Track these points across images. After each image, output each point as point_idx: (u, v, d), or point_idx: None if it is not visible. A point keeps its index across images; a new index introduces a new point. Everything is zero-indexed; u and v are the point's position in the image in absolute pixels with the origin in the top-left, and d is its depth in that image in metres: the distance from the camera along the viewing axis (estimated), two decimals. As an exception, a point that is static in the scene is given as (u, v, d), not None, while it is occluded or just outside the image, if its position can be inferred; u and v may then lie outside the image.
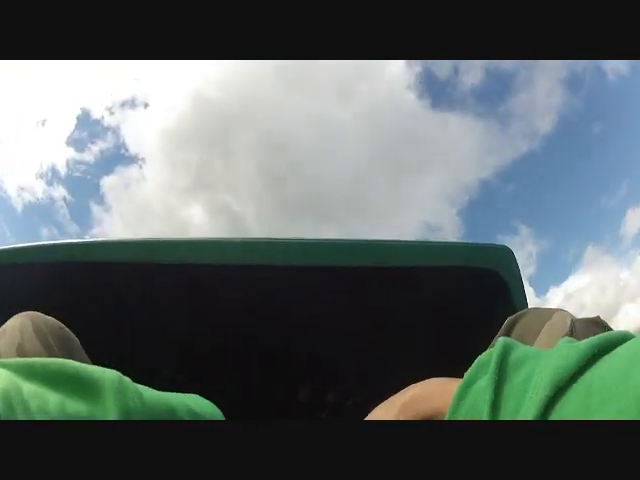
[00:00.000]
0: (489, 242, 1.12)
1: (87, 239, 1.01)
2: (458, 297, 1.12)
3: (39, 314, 0.78)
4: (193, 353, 1.23)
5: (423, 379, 0.92)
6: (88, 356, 0.79)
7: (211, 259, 1.02)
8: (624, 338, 0.40)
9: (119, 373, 0.50)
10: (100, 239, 1.02)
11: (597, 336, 0.41)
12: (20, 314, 0.77)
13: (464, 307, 1.12)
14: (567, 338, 0.47)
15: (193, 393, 1.23)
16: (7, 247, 1.01)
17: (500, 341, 0.47)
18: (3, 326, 0.75)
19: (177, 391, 1.23)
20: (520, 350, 0.45)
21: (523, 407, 0.39)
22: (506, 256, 1.08)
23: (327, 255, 1.05)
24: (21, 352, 0.70)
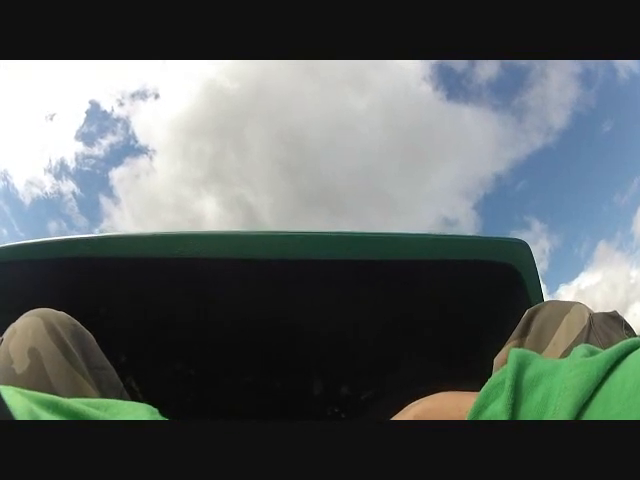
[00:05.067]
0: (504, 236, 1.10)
1: (95, 234, 1.01)
2: (473, 291, 1.11)
3: (51, 311, 0.75)
4: (204, 347, 1.23)
5: (437, 374, 0.91)
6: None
7: (221, 252, 1.02)
8: (637, 345, 0.39)
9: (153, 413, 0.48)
10: (108, 234, 1.01)
11: (613, 348, 0.40)
12: (31, 312, 0.74)
13: (480, 301, 1.11)
14: (583, 346, 0.45)
15: (204, 387, 1.23)
16: (15, 243, 1.01)
17: (513, 356, 0.45)
18: (14, 325, 0.72)
19: (188, 385, 1.23)
20: (534, 367, 0.44)
21: None
22: (522, 250, 1.06)
23: (339, 247, 1.05)
24: (33, 356, 0.68)
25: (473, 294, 1.11)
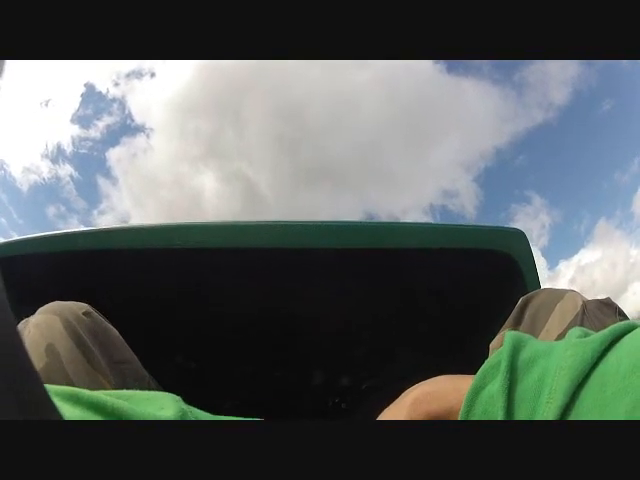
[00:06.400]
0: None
1: (95, 227, 1.01)
2: (470, 280, 1.12)
3: (66, 306, 0.73)
4: (204, 338, 1.24)
5: (436, 363, 0.92)
6: None
7: (220, 243, 1.02)
8: (634, 326, 0.40)
9: (182, 409, 0.45)
10: (108, 227, 1.02)
11: (608, 329, 0.40)
12: (45, 308, 0.72)
13: (476, 290, 1.12)
14: (578, 328, 0.46)
15: (205, 379, 1.24)
16: (16, 239, 1.01)
17: (508, 339, 0.46)
18: (27, 323, 0.70)
19: (189, 378, 1.24)
20: (529, 348, 0.44)
21: (539, 412, 0.38)
22: (519, 239, 1.07)
23: (337, 237, 1.05)
24: (51, 353, 0.66)
25: (470, 283, 1.12)
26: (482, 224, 1.13)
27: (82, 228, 1.01)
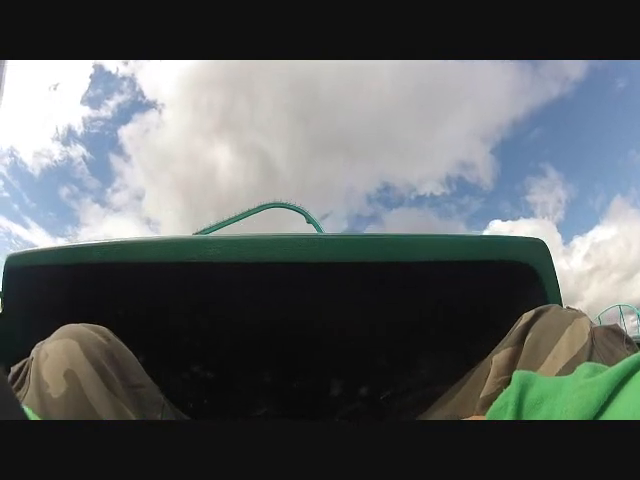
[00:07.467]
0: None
1: (109, 240, 1.02)
2: (490, 291, 1.11)
3: (84, 330, 0.73)
4: (222, 350, 1.24)
5: (456, 373, 0.90)
6: None
7: (236, 256, 1.03)
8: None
9: None
10: (123, 240, 1.03)
11: (616, 368, 0.40)
12: (61, 333, 0.71)
13: (496, 301, 1.10)
14: (586, 365, 0.47)
15: (222, 389, 1.23)
16: (31, 249, 1.03)
17: (516, 380, 0.46)
18: (44, 347, 0.69)
19: (206, 390, 1.24)
20: (537, 387, 0.45)
21: None
22: (539, 249, 1.05)
23: (354, 250, 1.05)
24: (71, 379, 0.65)
25: (489, 294, 1.10)
26: (500, 235, 1.11)
27: (98, 241, 1.02)
